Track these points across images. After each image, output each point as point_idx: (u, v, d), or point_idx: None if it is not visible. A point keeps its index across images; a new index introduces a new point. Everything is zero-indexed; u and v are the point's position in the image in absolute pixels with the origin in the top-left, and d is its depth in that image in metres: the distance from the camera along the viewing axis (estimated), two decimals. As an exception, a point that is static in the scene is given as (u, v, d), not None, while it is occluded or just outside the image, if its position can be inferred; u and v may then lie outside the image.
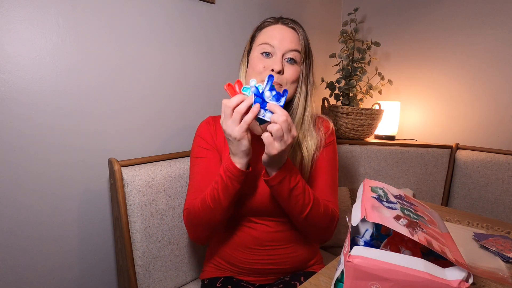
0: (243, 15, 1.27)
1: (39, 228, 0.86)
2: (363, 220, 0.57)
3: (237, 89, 0.62)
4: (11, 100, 0.78)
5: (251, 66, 0.76)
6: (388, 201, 0.49)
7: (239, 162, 0.65)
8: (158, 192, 0.91)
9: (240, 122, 0.59)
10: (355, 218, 0.44)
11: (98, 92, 0.92)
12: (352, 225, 0.45)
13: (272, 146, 0.60)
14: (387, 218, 0.42)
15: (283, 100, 0.61)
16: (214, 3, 1.15)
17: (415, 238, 0.39)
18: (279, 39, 0.73)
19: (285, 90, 0.62)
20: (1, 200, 0.79)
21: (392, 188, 0.56)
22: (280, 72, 0.73)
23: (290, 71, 0.74)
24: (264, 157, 0.63)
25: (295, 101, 0.78)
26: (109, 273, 1.03)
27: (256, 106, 0.59)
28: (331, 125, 0.85)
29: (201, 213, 0.71)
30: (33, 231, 0.85)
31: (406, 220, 0.44)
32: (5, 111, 0.78)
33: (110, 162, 0.86)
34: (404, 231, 0.40)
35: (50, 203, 0.87)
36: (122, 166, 0.86)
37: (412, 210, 0.50)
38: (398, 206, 0.48)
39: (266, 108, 0.60)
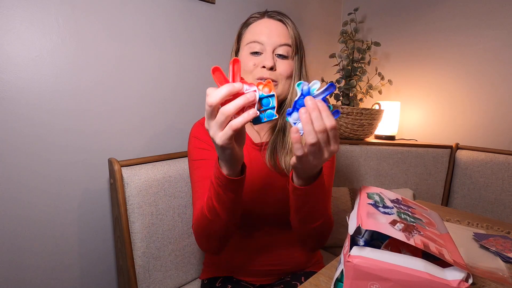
0: (243, 15, 1.26)
1: (39, 228, 0.86)
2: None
3: (230, 75, 0.46)
4: (11, 99, 0.78)
5: (241, 65, 0.71)
6: (385, 206, 0.49)
7: (225, 170, 0.54)
8: (158, 192, 0.91)
9: (225, 126, 0.45)
10: (352, 226, 0.44)
11: (98, 92, 0.92)
12: (349, 233, 0.45)
13: (305, 160, 0.49)
14: (383, 224, 0.42)
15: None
16: (214, 3, 1.15)
17: (411, 242, 0.39)
18: (267, 34, 0.69)
19: (337, 111, 0.47)
20: (1, 199, 0.79)
21: (389, 192, 0.56)
22: (272, 68, 0.69)
23: (283, 66, 0.71)
24: (293, 163, 0.53)
25: (288, 97, 0.74)
26: (109, 273, 1.03)
27: (253, 111, 0.44)
28: None
29: (201, 224, 0.64)
30: (33, 230, 0.85)
31: (403, 225, 0.44)
32: (5, 110, 0.78)
33: (110, 162, 0.86)
34: (400, 236, 0.40)
35: (50, 203, 0.87)
36: (122, 166, 0.86)
37: (409, 213, 0.50)
38: (394, 210, 0.48)
39: (268, 106, 0.47)
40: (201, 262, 1.02)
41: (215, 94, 0.43)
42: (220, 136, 0.45)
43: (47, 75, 0.83)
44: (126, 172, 0.86)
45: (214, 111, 0.44)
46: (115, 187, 0.85)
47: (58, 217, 0.89)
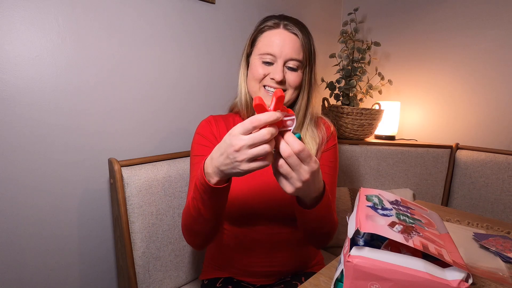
0: (243, 15, 1.27)
1: (39, 228, 0.86)
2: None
3: (273, 104, 0.47)
4: (11, 99, 0.78)
5: (252, 71, 0.75)
6: (383, 208, 0.49)
7: (215, 180, 0.53)
8: (158, 192, 0.91)
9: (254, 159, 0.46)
10: (350, 229, 0.44)
11: (98, 92, 0.92)
12: (348, 237, 0.45)
13: (283, 185, 0.51)
14: (381, 226, 0.42)
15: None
16: (214, 3, 1.15)
17: (410, 243, 0.39)
18: (280, 47, 0.71)
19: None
20: (1, 199, 0.79)
21: (388, 194, 0.56)
22: (281, 82, 0.73)
23: (292, 77, 0.74)
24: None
25: (296, 106, 0.78)
26: (109, 273, 1.03)
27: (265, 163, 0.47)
28: (332, 128, 0.84)
29: (185, 219, 0.66)
30: (33, 230, 0.85)
31: (401, 226, 0.44)
32: (5, 110, 0.78)
33: (110, 162, 0.86)
34: (399, 238, 0.40)
35: (50, 202, 0.87)
36: (122, 166, 0.86)
37: (408, 214, 0.50)
38: (393, 212, 0.48)
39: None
40: (201, 262, 1.02)
41: (264, 117, 0.45)
42: (250, 165, 0.47)
43: (47, 75, 0.83)
44: (126, 172, 0.86)
45: (256, 126, 0.45)
46: (115, 187, 0.85)
47: (58, 217, 0.89)
